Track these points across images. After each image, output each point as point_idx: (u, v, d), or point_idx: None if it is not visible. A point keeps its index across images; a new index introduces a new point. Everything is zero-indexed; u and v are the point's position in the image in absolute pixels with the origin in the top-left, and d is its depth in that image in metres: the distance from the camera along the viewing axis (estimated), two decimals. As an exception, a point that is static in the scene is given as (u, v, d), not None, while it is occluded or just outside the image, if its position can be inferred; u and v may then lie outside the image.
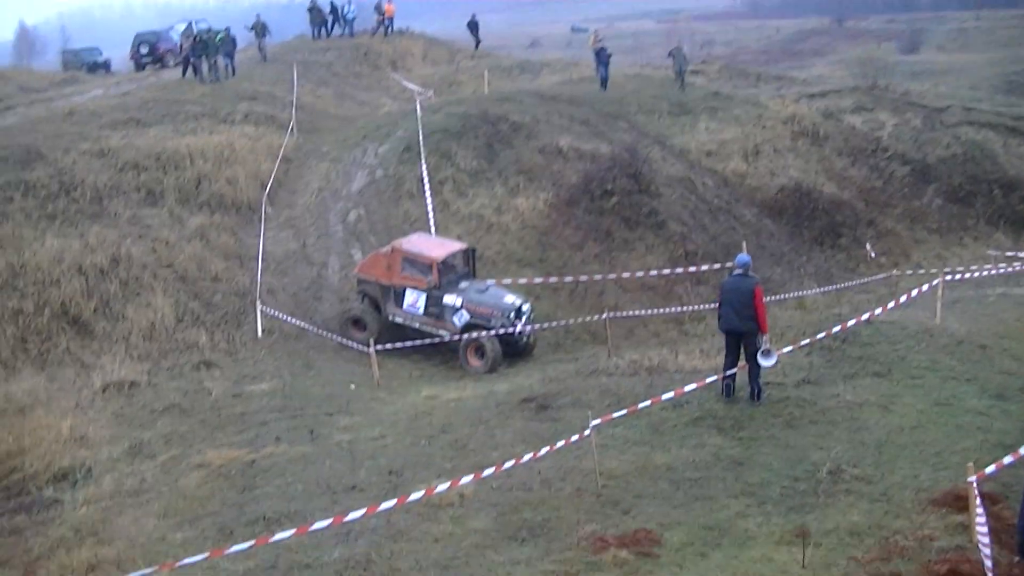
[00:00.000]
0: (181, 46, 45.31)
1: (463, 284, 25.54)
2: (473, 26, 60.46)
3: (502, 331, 24.37)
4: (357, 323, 25.62)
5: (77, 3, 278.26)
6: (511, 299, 25.43)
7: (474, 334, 24.48)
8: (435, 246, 26.37)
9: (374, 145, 35.40)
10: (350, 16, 58.54)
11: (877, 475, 13.80)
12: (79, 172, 30.23)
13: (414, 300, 25.28)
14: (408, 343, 24.75)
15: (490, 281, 26.83)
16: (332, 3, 58.25)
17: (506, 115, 36.60)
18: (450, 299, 25.06)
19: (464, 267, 26.35)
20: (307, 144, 36.80)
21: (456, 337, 24.91)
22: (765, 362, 16.20)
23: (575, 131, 36.90)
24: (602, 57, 43.21)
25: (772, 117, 41.11)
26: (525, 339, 25.31)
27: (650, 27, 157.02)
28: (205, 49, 43.31)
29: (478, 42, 61.22)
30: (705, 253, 30.98)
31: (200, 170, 31.77)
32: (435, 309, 25.16)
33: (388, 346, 23.94)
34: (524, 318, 25.23)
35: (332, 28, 58.20)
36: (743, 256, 17.27)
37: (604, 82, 43.23)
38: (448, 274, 25.50)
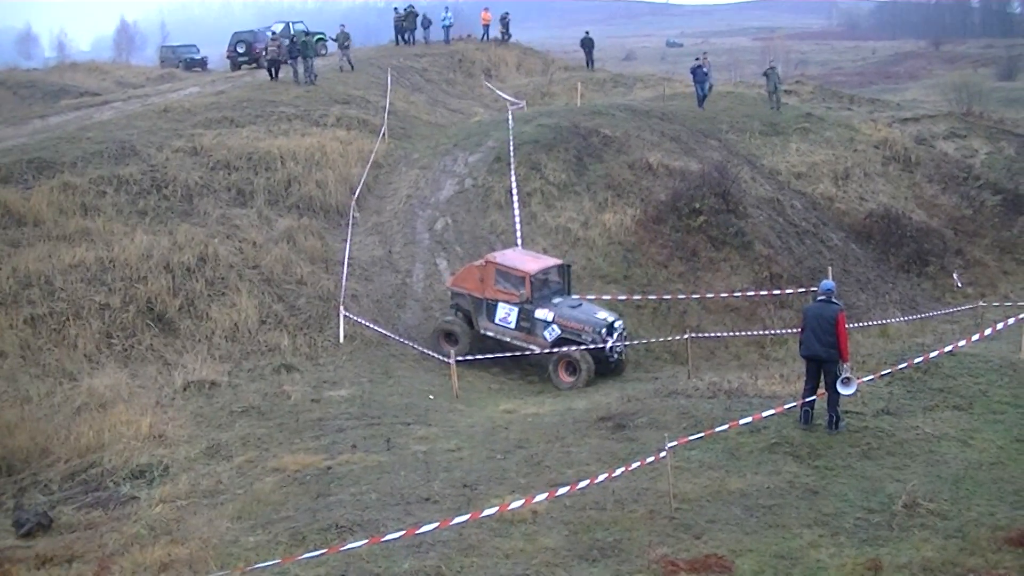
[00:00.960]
0: (266, 48, 45.71)
1: (556, 300, 25.44)
2: (588, 43, 59.22)
3: (592, 347, 24.21)
4: (449, 336, 25.57)
5: (177, 0, 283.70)
6: (603, 315, 25.26)
7: (565, 349, 24.36)
8: (529, 260, 26.26)
9: (464, 154, 35.48)
10: (446, 23, 58.72)
11: (953, 511, 13.54)
12: (171, 169, 30.71)
13: (506, 314, 25.22)
14: (489, 355, 24.74)
15: (583, 298, 26.73)
16: (413, 10, 58.49)
17: (597, 128, 36.53)
18: (542, 313, 24.97)
19: (558, 282, 26.23)
20: (398, 150, 37.01)
21: (547, 352, 24.85)
22: (844, 391, 15.94)
23: (665, 147, 36.71)
24: (698, 75, 42.87)
25: (864, 141, 40.62)
26: (616, 356, 25.02)
27: (746, 44, 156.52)
28: (304, 50, 43.71)
29: (592, 61, 59.97)
30: (790, 276, 30.69)
31: (290, 172, 32.13)
32: (527, 323, 25.08)
33: (469, 358, 23.91)
34: (616, 335, 24.99)
35: (414, 36, 58.41)
36: (827, 282, 17.18)
37: (701, 100, 42.99)
38: (541, 289, 25.41)
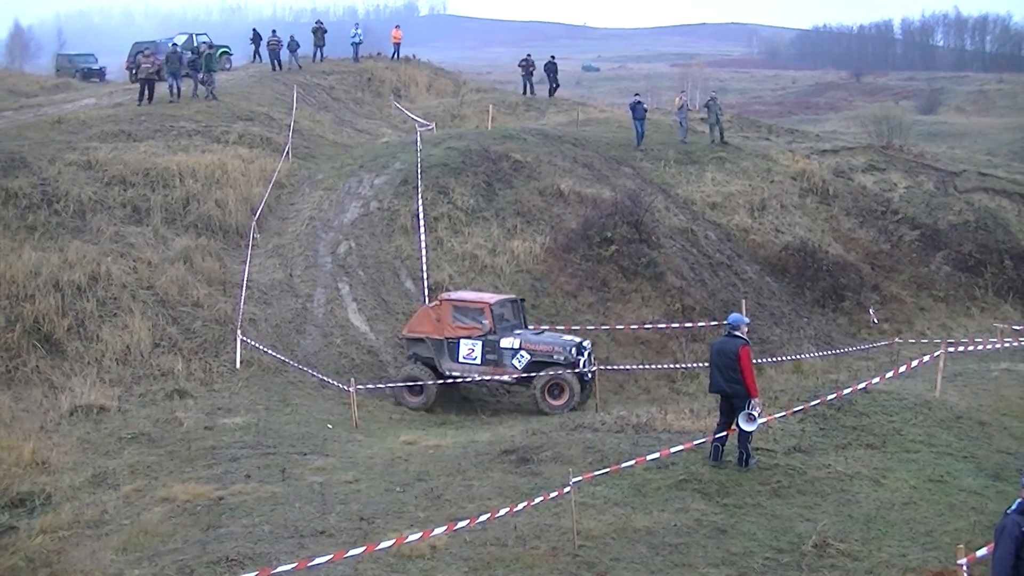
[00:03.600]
0: (138, 65, 42.45)
1: (517, 331, 25.16)
2: (551, 68, 53.79)
3: (565, 370, 24.04)
4: (413, 387, 24.79)
5: (76, 5, 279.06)
6: (569, 338, 25.14)
7: (549, 372, 24.05)
8: (484, 294, 26.09)
9: (370, 176, 35.03)
10: (355, 40, 58.18)
11: (864, 551, 13.36)
12: (63, 184, 29.85)
13: (469, 350, 24.70)
14: (389, 384, 24.24)
15: (544, 327, 26.55)
16: (321, 26, 57.91)
17: (508, 153, 36.32)
18: (507, 342, 24.63)
19: (514, 317, 25.84)
20: (302, 170, 36.47)
21: (519, 380, 24.57)
22: (746, 427, 15.68)
23: (578, 174, 36.59)
24: (638, 112, 41.85)
25: (781, 172, 40.78)
26: (588, 378, 24.72)
27: (663, 70, 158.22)
28: (207, 64, 42.82)
29: (554, 87, 54.98)
30: (703, 309, 30.61)
31: (189, 190, 31.45)
32: (493, 356, 24.62)
33: (369, 386, 23.41)
34: (586, 354, 24.80)
35: (323, 53, 57.56)
36: (735, 316, 16.94)
37: (639, 137, 41.84)
38: (500, 321, 25.00)
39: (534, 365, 24.28)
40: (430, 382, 24.55)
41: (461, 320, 24.77)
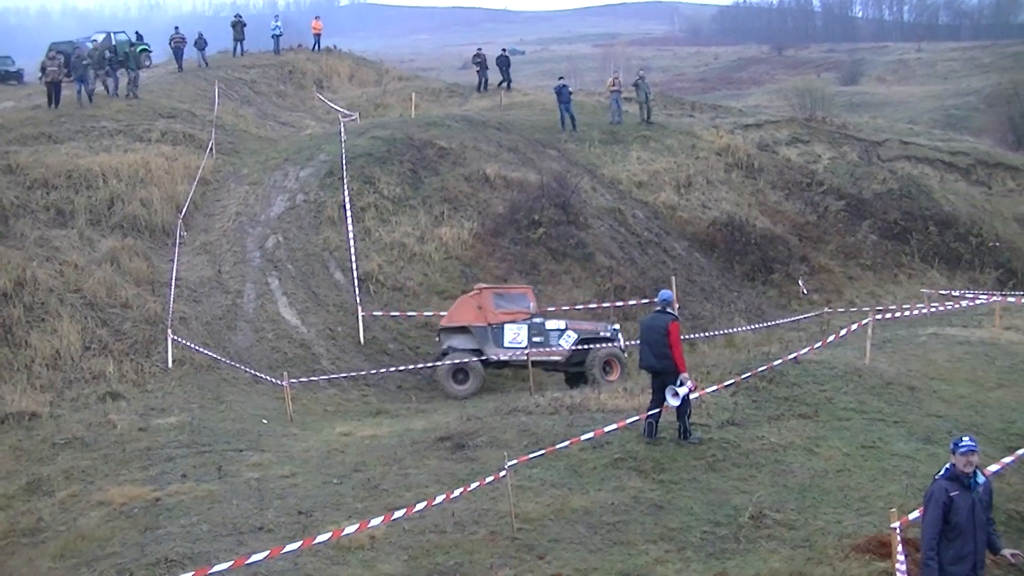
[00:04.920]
0: (44, 68, 39.96)
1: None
2: (504, 61, 52.36)
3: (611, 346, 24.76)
4: (458, 374, 24.77)
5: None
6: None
7: (606, 347, 24.59)
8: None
9: (295, 168, 34.83)
10: (276, 33, 57.60)
11: (800, 520, 13.62)
12: (-17, 189, 29.25)
13: (515, 334, 24.95)
14: (323, 377, 24.12)
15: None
16: (240, 19, 57.27)
17: (432, 140, 36.26)
18: (553, 323, 25.16)
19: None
20: (226, 166, 36.15)
21: (564, 360, 25.06)
22: (672, 401, 15.88)
23: (503, 158, 36.60)
24: (563, 95, 41.80)
25: (706, 148, 41.10)
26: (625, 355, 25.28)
27: (586, 51, 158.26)
28: (127, 61, 42.24)
29: (508, 81, 52.74)
30: (633, 288, 30.79)
31: (113, 190, 31.03)
32: (539, 338, 24.93)
33: (304, 379, 23.35)
34: (619, 336, 25.48)
35: (243, 47, 56.65)
36: (665, 292, 17.24)
37: (573, 120, 41.76)
38: None
39: (584, 341, 24.77)
40: (478, 368, 24.86)
41: (505, 306, 25.13)
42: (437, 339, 26.01)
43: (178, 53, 51.24)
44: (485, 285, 26.13)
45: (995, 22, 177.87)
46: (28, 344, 23.62)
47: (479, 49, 55.30)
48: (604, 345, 24.79)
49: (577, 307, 28.96)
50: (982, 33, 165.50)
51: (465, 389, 24.27)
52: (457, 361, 24.67)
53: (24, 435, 20.19)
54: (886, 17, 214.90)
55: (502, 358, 25.02)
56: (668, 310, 16.56)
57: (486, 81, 52.97)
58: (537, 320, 25.07)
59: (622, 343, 25.29)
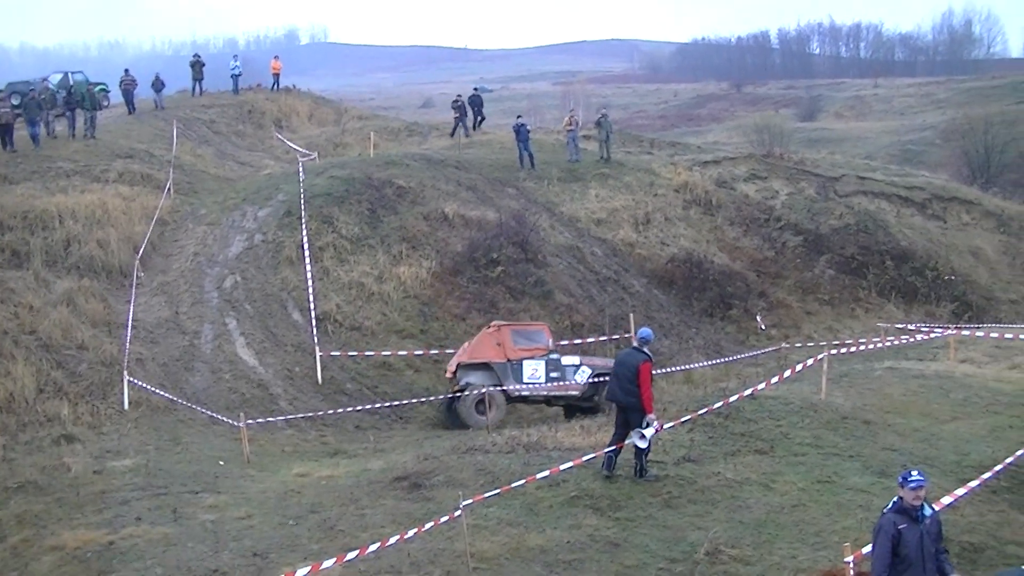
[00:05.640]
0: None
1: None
2: (476, 101, 51.65)
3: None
4: (479, 405, 24.81)
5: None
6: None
7: None
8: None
9: (254, 208, 34.78)
10: (235, 72, 57.56)
11: (756, 556, 13.70)
12: (-63, 231, 29.04)
13: (533, 370, 25.19)
14: (281, 417, 24.05)
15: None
16: (199, 59, 57.06)
17: (391, 179, 36.33)
18: (568, 360, 25.45)
19: None
20: (184, 206, 36.04)
21: (580, 394, 25.41)
22: (639, 443, 15.97)
23: (462, 197, 36.71)
24: (521, 134, 41.69)
25: (664, 185, 41.32)
26: None
27: (546, 88, 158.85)
28: (83, 102, 42.12)
29: (480, 119, 52.05)
30: (592, 325, 30.93)
31: (70, 231, 30.86)
32: (556, 373, 25.23)
33: (261, 420, 23.25)
34: None
35: (201, 87, 56.37)
36: (645, 330, 17.46)
37: (531, 159, 41.70)
38: None
39: (600, 375, 24.96)
40: (501, 400, 25.02)
41: (523, 342, 25.35)
42: (452, 376, 25.76)
43: (128, 95, 50.35)
44: (502, 322, 26.49)
45: (950, 58, 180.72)
46: (-19, 387, 23.41)
47: (458, 96, 52.61)
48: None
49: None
50: (937, 69, 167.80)
51: (488, 420, 24.27)
52: (482, 392, 24.81)
53: (-24, 479, 19.96)
54: (843, 54, 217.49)
55: (523, 393, 25.34)
56: (644, 349, 16.68)
57: (465, 127, 49.82)
58: (554, 356, 25.38)
59: None
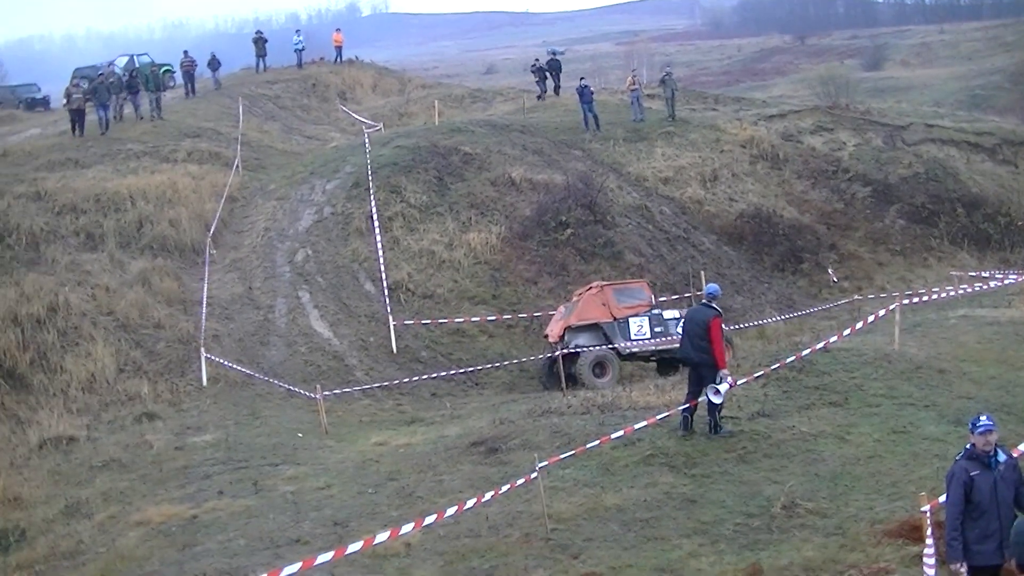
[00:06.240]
0: (69, 95, 40.22)
1: None
2: (555, 65, 50.21)
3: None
4: (596, 367, 25.06)
5: (15, 34, 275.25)
6: None
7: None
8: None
9: (322, 182, 35.00)
10: (298, 47, 57.81)
11: (832, 508, 13.56)
12: (13, 217, 29.70)
13: (639, 327, 25.44)
14: (357, 388, 24.24)
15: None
16: (262, 35, 57.45)
17: (457, 147, 36.34)
18: (669, 313, 25.64)
19: None
20: (253, 182, 36.40)
21: None
22: (714, 399, 15.86)
23: (528, 161, 36.61)
24: (585, 96, 41.40)
25: (730, 141, 40.83)
26: None
27: (609, 49, 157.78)
28: (148, 83, 42.60)
29: (556, 86, 50.35)
30: (663, 284, 30.78)
31: (141, 212, 31.33)
32: (660, 328, 25.42)
33: (337, 391, 23.44)
34: None
35: (265, 63, 56.81)
36: (712, 286, 17.44)
37: (596, 120, 41.36)
38: None
39: None
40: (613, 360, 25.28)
41: (626, 300, 25.56)
42: (558, 339, 25.71)
43: (188, 77, 50.70)
44: (603, 282, 26.65)
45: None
46: (63, 369, 23.91)
47: (536, 60, 52.19)
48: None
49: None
50: (1004, 11, 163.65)
51: (605, 381, 24.38)
52: (599, 354, 25.01)
53: (62, 459, 20.42)
54: (907, 0, 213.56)
55: (632, 350, 25.43)
56: (713, 304, 16.61)
57: (545, 89, 49.41)
58: (656, 311, 25.55)
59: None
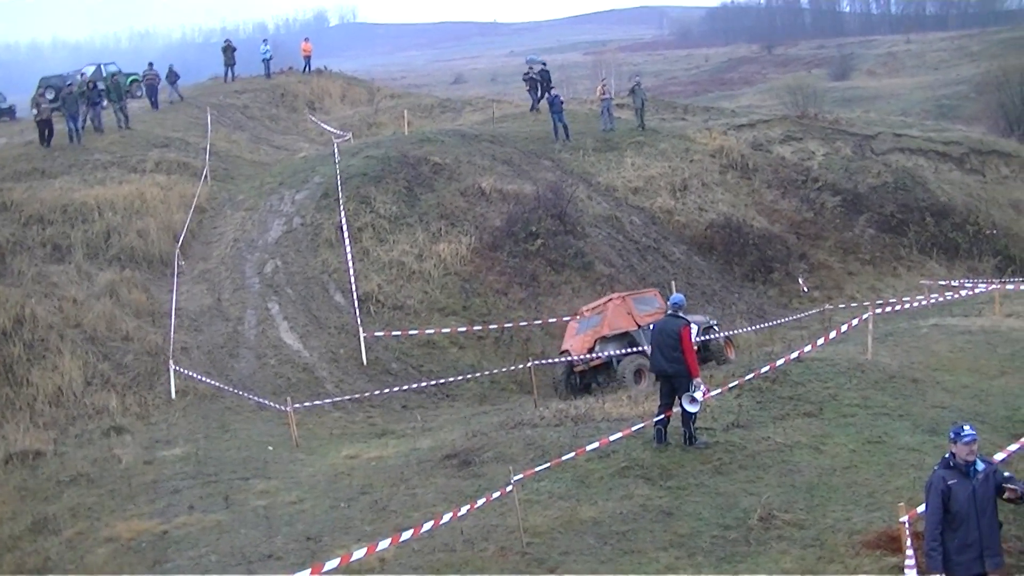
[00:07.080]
0: (38, 105, 39.85)
1: None
2: (545, 75, 47.82)
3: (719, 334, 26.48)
4: (637, 373, 24.99)
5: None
6: None
7: (712, 337, 25.82)
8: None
9: (291, 192, 34.83)
10: (266, 56, 57.57)
11: (809, 519, 13.55)
12: (-22, 228, 29.28)
13: None
14: (328, 400, 24.15)
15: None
16: (230, 44, 57.06)
17: (427, 156, 36.23)
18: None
19: None
20: (221, 192, 36.19)
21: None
22: (689, 408, 15.83)
23: (498, 171, 36.56)
24: (555, 105, 41.21)
25: (700, 150, 40.91)
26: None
27: (577, 59, 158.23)
28: (113, 93, 42.27)
29: (542, 97, 47.14)
30: (634, 295, 30.67)
31: (109, 223, 31.11)
32: None
33: (308, 404, 23.27)
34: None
35: (233, 72, 56.49)
36: (676, 296, 17.32)
37: (566, 130, 41.03)
38: None
39: (706, 329, 25.74)
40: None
41: (645, 308, 25.67)
42: (588, 351, 25.56)
43: (151, 90, 49.55)
44: (624, 292, 26.94)
45: (982, 10, 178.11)
46: (29, 382, 23.61)
47: (529, 68, 50.12)
48: (718, 335, 26.08)
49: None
50: (969, 22, 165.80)
51: (642, 387, 24.21)
52: (639, 362, 24.92)
53: (29, 474, 20.14)
54: (873, 11, 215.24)
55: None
56: (680, 314, 16.57)
57: (539, 99, 47.05)
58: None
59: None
